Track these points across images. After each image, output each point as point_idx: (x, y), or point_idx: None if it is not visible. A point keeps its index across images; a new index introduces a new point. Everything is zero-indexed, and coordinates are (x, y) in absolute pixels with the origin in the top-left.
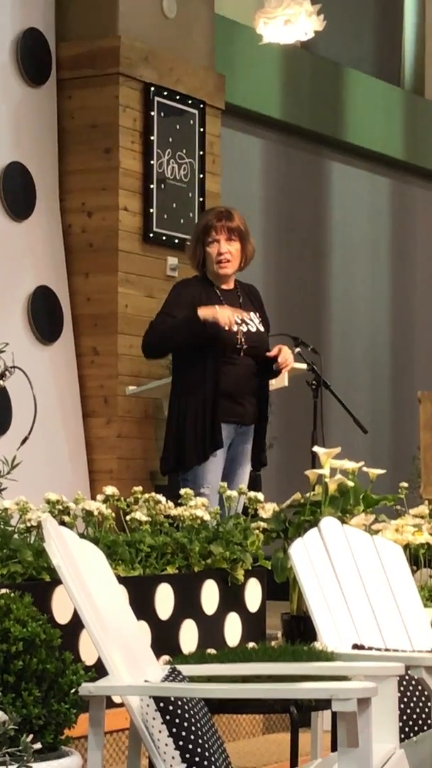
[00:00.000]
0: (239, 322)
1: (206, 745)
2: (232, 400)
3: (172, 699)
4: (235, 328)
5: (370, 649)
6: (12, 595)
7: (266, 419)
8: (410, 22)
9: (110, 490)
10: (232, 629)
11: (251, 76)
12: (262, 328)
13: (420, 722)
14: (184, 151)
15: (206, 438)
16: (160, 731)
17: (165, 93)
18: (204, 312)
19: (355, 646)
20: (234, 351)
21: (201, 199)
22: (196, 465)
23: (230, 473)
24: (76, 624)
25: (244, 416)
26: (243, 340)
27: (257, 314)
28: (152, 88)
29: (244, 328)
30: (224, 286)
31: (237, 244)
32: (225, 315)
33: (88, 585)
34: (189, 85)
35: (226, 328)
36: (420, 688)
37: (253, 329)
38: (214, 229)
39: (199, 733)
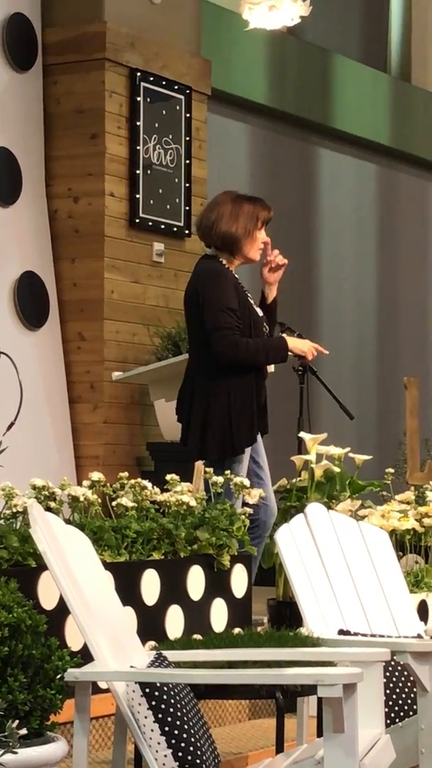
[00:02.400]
0: (254, 304)
1: (192, 731)
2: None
3: (158, 685)
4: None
5: (356, 634)
6: None
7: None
8: (396, 8)
9: (96, 475)
10: (218, 615)
11: (238, 61)
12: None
13: (405, 708)
14: (171, 136)
15: (251, 426)
16: (146, 717)
17: (151, 78)
18: (294, 345)
19: (341, 632)
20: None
21: (187, 185)
22: (247, 448)
23: (257, 458)
24: (62, 610)
25: (265, 398)
26: (267, 328)
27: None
28: (138, 74)
29: (260, 313)
30: (233, 270)
31: None
32: (310, 348)
33: (74, 571)
34: (175, 70)
35: (309, 358)
36: (405, 673)
37: (261, 314)
38: (268, 221)
39: (185, 718)
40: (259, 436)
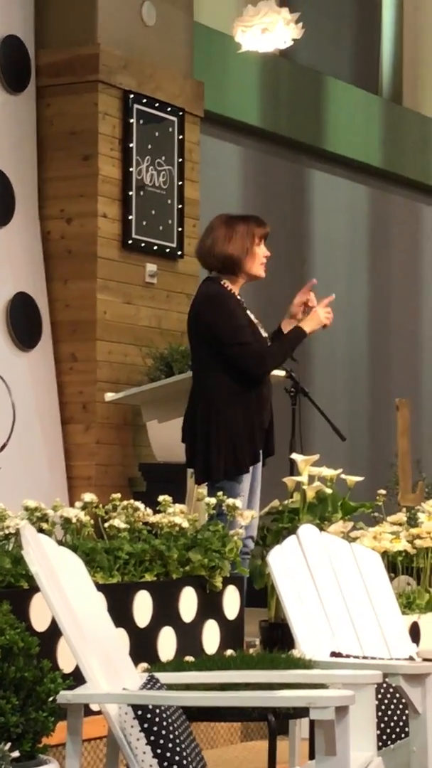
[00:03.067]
0: (260, 325)
1: (184, 753)
2: (264, 406)
3: (150, 707)
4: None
5: (347, 656)
6: None
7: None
8: (388, 31)
9: (89, 497)
10: (210, 637)
11: (230, 83)
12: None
13: (398, 730)
14: (163, 158)
15: (257, 442)
16: (138, 739)
17: (144, 100)
18: (312, 328)
19: (333, 654)
20: None
21: (180, 206)
22: (248, 469)
23: (251, 480)
24: (54, 632)
25: (268, 420)
26: None
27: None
28: (131, 96)
29: (265, 334)
30: (236, 291)
31: None
32: (325, 317)
33: (66, 592)
34: (168, 92)
35: (329, 324)
36: (398, 696)
37: (264, 334)
38: (266, 236)
39: (177, 741)
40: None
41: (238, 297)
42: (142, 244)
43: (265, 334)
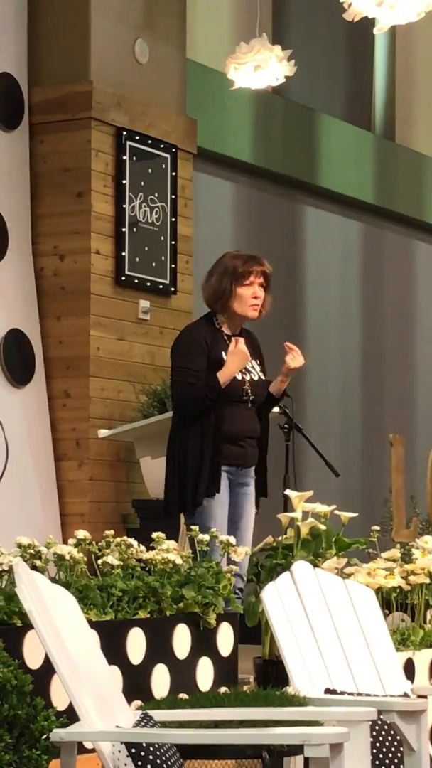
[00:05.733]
0: (245, 371)
1: None
2: (233, 442)
3: (144, 744)
4: (248, 367)
5: (342, 693)
6: None
7: (266, 451)
8: (381, 67)
9: (82, 533)
10: (204, 674)
11: (223, 120)
12: (263, 376)
13: (392, 767)
14: (156, 194)
15: (205, 481)
16: None
17: (137, 137)
18: (230, 371)
19: (328, 691)
20: (241, 401)
21: (173, 243)
22: (200, 506)
23: (236, 519)
24: (48, 669)
25: (245, 459)
26: (249, 391)
27: (258, 362)
28: (124, 133)
29: (248, 377)
30: (230, 331)
31: (263, 292)
32: (243, 355)
33: (59, 630)
34: (161, 129)
35: (248, 359)
36: (392, 732)
37: (256, 378)
38: (253, 273)
39: None
40: (249, 496)
41: (226, 334)
42: (136, 281)
43: (256, 378)
